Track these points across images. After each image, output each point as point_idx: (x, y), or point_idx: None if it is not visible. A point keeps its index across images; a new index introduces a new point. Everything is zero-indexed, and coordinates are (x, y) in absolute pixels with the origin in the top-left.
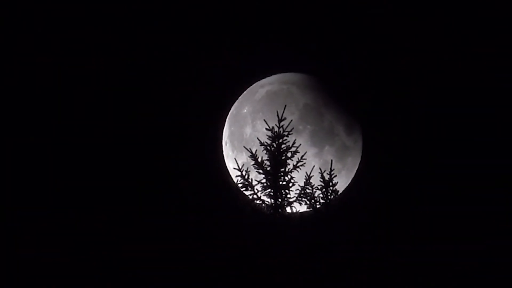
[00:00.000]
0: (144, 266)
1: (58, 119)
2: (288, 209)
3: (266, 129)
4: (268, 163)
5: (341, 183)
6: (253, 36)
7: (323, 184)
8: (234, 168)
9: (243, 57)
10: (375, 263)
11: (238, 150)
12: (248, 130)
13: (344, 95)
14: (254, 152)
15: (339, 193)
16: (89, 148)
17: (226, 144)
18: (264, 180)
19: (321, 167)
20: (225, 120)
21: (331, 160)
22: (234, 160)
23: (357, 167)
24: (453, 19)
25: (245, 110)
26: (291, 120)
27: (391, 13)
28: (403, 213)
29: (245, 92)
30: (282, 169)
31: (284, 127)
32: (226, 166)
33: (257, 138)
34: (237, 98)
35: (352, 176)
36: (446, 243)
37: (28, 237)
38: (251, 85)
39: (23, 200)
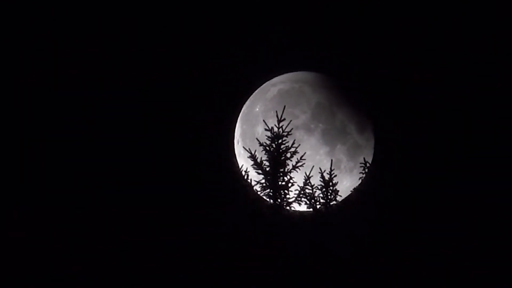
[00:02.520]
0: (147, 262)
1: (76, 118)
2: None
3: (265, 129)
4: (267, 163)
5: (353, 182)
6: (264, 34)
7: (323, 184)
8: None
9: (255, 56)
10: (381, 264)
11: (250, 148)
12: (259, 129)
13: (356, 93)
14: (253, 152)
15: (349, 193)
16: (98, 146)
17: (238, 143)
18: (263, 181)
19: (333, 165)
20: (237, 119)
21: (331, 160)
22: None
23: (368, 165)
24: (468, 18)
25: (257, 109)
26: (290, 121)
27: (405, 12)
28: (414, 213)
29: (256, 90)
30: (282, 169)
31: (284, 127)
32: (237, 164)
33: (257, 139)
34: (249, 97)
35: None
36: (457, 246)
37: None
38: (262, 84)
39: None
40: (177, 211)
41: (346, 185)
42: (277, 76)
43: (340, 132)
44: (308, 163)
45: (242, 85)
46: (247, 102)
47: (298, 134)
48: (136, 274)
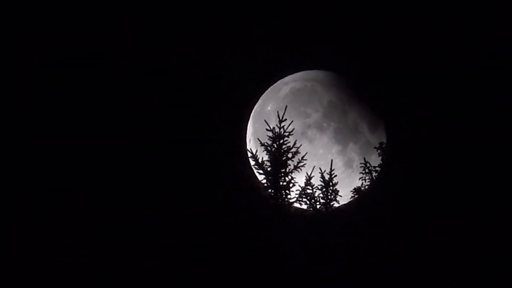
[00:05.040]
0: (153, 261)
1: (93, 117)
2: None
3: (267, 129)
4: (269, 163)
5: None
6: (276, 33)
7: (323, 184)
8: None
9: (267, 54)
10: (381, 264)
11: (259, 148)
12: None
13: (368, 92)
14: (255, 152)
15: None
16: (108, 147)
17: (250, 141)
18: (264, 181)
19: (344, 164)
20: (249, 117)
21: (331, 160)
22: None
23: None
24: (483, 14)
25: (269, 108)
26: (292, 121)
27: (418, 11)
28: (423, 214)
29: (269, 89)
30: (283, 170)
31: (285, 127)
32: (249, 163)
33: (258, 139)
34: (261, 96)
35: (376, 174)
36: (464, 248)
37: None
38: (275, 82)
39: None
40: (185, 210)
41: (358, 184)
42: (289, 74)
43: (352, 131)
44: (319, 162)
45: (255, 84)
46: (259, 101)
47: (310, 133)
48: (144, 273)
